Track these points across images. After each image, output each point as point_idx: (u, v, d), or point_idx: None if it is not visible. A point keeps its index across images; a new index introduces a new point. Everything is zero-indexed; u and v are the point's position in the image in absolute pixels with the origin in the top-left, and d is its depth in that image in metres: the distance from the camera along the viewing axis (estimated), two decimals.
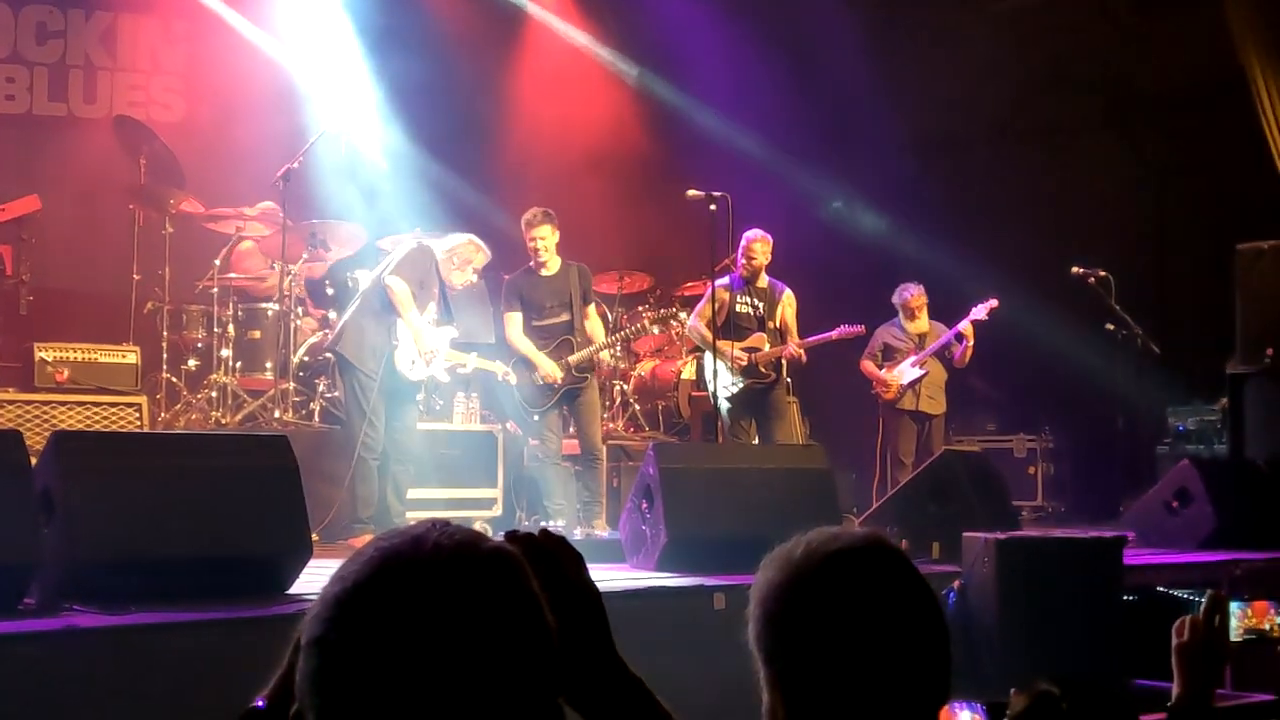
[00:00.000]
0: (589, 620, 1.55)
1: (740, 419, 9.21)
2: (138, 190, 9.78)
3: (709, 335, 8.98)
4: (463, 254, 8.38)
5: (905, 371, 10.07)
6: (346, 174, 10.17)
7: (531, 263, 8.71)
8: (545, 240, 8.58)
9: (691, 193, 8.49)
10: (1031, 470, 11.85)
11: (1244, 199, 11.47)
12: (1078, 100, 12.84)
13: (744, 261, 9.23)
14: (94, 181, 10.64)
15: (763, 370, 9.18)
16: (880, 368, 10.20)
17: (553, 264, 8.68)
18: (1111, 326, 10.55)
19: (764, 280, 9.33)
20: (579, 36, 12.88)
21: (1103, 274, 10.42)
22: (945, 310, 10.32)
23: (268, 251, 9.57)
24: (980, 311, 9.97)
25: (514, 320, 8.71)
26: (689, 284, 11.09)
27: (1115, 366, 10.82)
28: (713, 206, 8.31)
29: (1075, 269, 10.47)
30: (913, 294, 10.25)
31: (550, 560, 1.53)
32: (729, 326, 9.15)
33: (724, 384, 9.10)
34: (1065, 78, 12.78)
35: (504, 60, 12.78)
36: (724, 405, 9.15)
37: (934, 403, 10.20)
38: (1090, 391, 11.42)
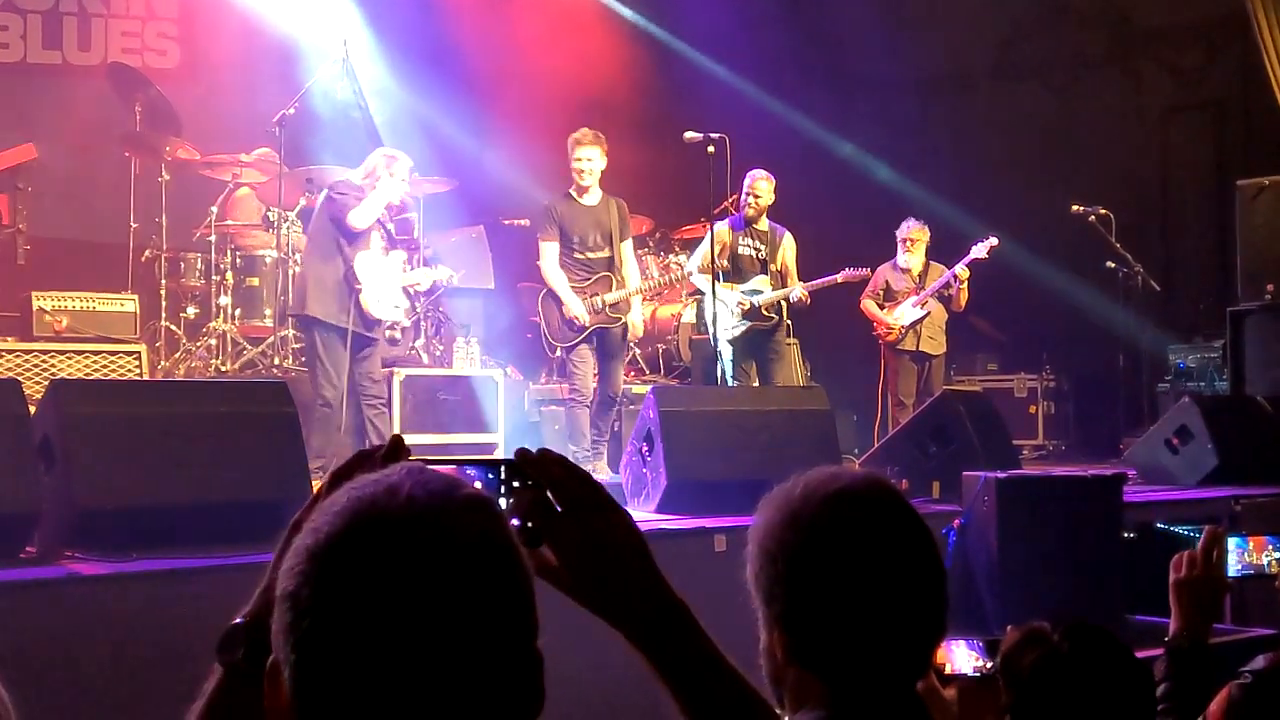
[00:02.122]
0: (630, 544, 1.55)
1: (742, 362, 9.18)
2: (133, 138, 9.73)
3: (709, 279, 8.95)
4: (381, 175, 7.83)
5: (906, 312, 10.04)
6: (342, 120, 10.09)
7: (572, 188, 8.33)
8: (591, 163, 8.22)
9: (689, 135, 8.41)
10: (1032, 409, 11.87)
11: (1245, 135, 11.43)
12: (1079, 36, 12.76)
13: (750, 201, 9.16)
14: (90, 129, 10.58)
15: (765, 313, 9.16)
16: (882, 308, 10.16)
17: (594, 193, 8.34)
18: (1112, 264, 10.54)
19: (764, 223, 9.28)
20: None
21: (1103, 211, 10.39)
22: (946, 250, 10.28)
23: (263, 198, 9.52)
24: (980, 250, 9.91)
25: (549, 251, 8.30)
26: (688, 226, 11.05)
27: (1116, 304, 10.82)
28: (711, 149, 8.24)
29: (1075, 206, 10.44)
30: (910, 227, 10.19)
31: (583, 488, 1.54)
32: (733, 269, 9.13)
33: (725, 326, 9.07)
34: (1066, 14, 12.70)
35: (500, 3, 12.67)
36: (725, 348, 9.13)
37: (934, 343, 10.17)
38: (1091, 330, 11.42)
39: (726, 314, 9.08)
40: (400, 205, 9.33)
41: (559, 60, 12.29)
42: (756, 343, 9.21)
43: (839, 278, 9.50)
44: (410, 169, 8.18)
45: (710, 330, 9.12)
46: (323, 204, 7.89)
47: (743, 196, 9.20)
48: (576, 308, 8.19)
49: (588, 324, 8.21)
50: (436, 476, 1.20)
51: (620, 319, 8.37)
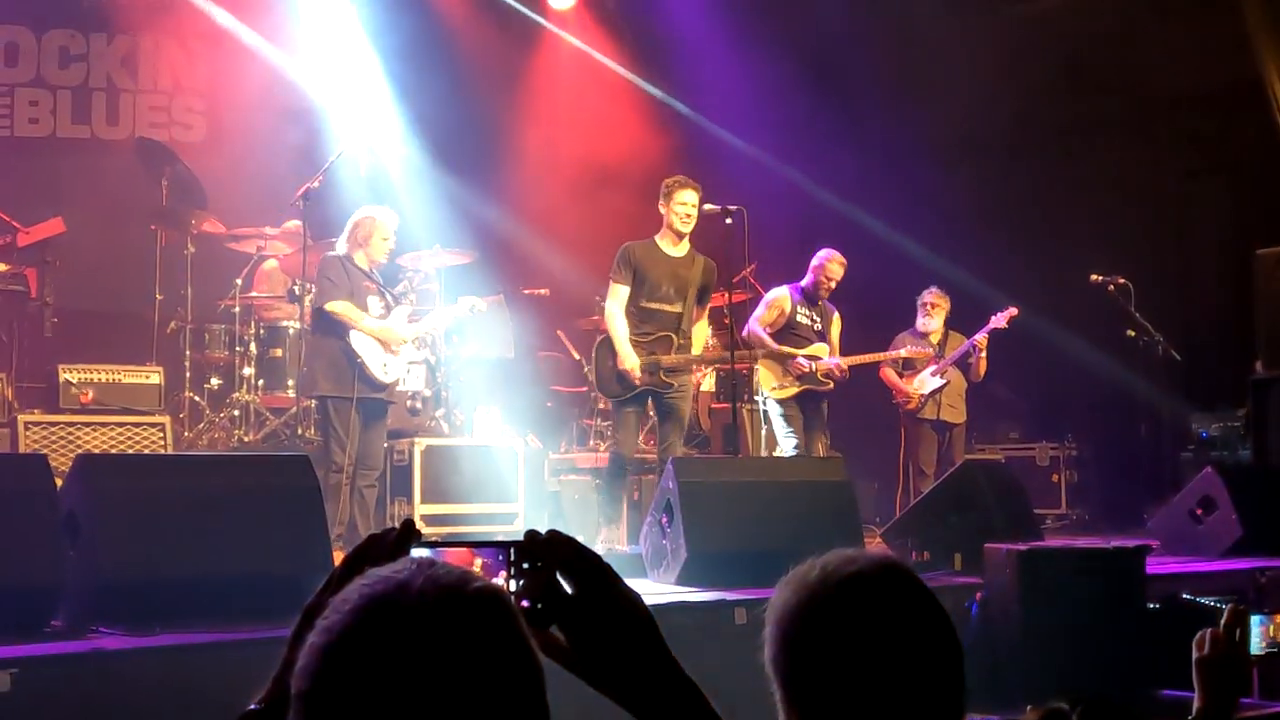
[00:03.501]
0: (639, 625, 1.56)
1: (789, 420, 9.16)
2: (160, 211, 9.85)
3: (767, 338, 9.08)
4: (363, 231, 8.05)
5: (926, 381, 10.05)
6: (367, 192, 10.21)
7: (661, 235, 8.09)
8: (696, 209, 7.97)
9: (708, 207, 8.42)
10: (1055, 478, 11.81)
11: (1264, 202, 11.43)
12: (1095, 103, 12.80)
13: (821, 280, 9.27)
14: (117, 203, 10.71)
15: (821, 379, 9.19)
16: (900, 376, 10.18)
17: (684, 244, 8.11)
18: (1132, 333, 10.53)
19: (820, 300, 9.41)
20: (594, 52, 12.93)
21: (1122, 281, 10.40)
22: (965, 318, 10.31)
23: (289, 270, 9.61)
24: (1000, 320, 9.95)
25: (618, 294, 7.97)
26: None
27: (1137, 373, 10.79)
28: (729, 220, 8.28)
29: (1094, 276, 10.45)
30: (932, 293, 10.25)
31: (592, 569, 1.56)
32: (789, 334, 9.20)
33: (774, 384, 9.14)
34: (1082, 81, 12.75)
35: (521, 76, 12.83)
36: (774, 406, 9.16)
37: (955, 411, 10.17)
38: (1113, 399, 11.39)
39: (780, 372, 9.12)
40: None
41: (578, 132, 12.42)
42: (806, 407, 9.22)
43: (903, 352, 9.66)
44: (395, 224, 8.20)
45: (762, 390, 9.22)
46: (318, 285, 8.07)
47: (813, 274, 9.31)
48: (631, 362, 7.86)
49: (638, 384, 7.91)
50: (447, 571, 1.22)
51: (673, 384, 8.07)
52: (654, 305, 8.04)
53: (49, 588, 4.55)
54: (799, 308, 9.30)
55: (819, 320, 9.36)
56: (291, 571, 5.05)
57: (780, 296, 9.30)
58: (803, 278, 9.40)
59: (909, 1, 12.81)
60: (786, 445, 9.17)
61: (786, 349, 9.13)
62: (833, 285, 9.31)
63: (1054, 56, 12.77)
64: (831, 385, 9.28)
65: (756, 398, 9.51)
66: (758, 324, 9.27)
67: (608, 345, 8.00)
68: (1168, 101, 12.53)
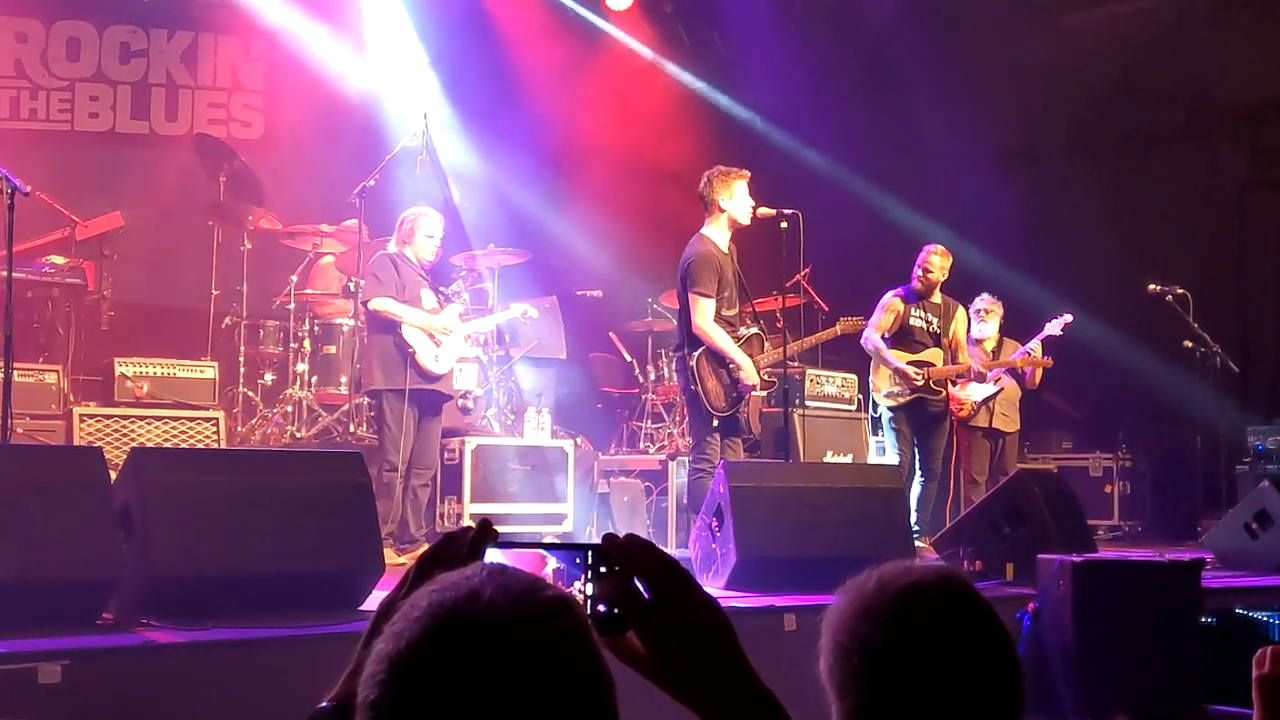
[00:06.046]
0: (716, 631, 1.55)
1: (903, 430, 9.08)
2: (217, 207, 9.92)
3: (882, 347, 9.04)
4: (406, 228, 8.15)
5: (978, 388, 9.95)
6: (422, 191, 10.25)
7: (714, 229, 7.62)
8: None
9: (762, 210, 8.31)
10: (1108, 489, 11.70)
11: None
12: (1154, 113, 12.69)
13: (920, 274, 9.19)
14: (175, 198, 10.81)
15: (934, 386, 9.11)
16: (953, 384, 10.09)
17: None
18: (1189, 344, 10.41)
19: (938, 295, 9.27)
20: (651, 53, 12.93)
21: (1180, 291, 10.28)
22: (1020, 326, 10.22)
23: (344, 267, 9.66)
24: (1054, 327, 9.85)
25: (708, 308, 7.38)
26: (759, 300, 11.03)
27: (1193, 385, 10.67)
28: (784, 225, 8.20)
29: (1152, 286, 10.34)
30: (985, 300, 10.15)
31: (670, 574, 1.54)
32: (903, 340, 9.13)
33: (888, 392, 9.07)
34: (1141, 90, 12.64)
35: (577, 77, 12.83)
36: (885, 413, 9.12)
37: (1007, 420, 10.07)
38: (1168, 410, 11.27)
39: (888, 379, 9.06)
40: (437, 260, 9.42)
41: (632, 134, 12.40)
42: (917, 417, 9.14)
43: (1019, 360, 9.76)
44: (438, 225, 8.29)
45: (874, 397, 9.22)
46: (366, 283, 8.18)
47: (915, 269, 9.23)
48: (751, 371, 7.41)
49: (758, 386, 7.51)
50: (518, 579, 1.20)
51: (776, 383, 7.87)
52: (732, 312, 7.62)
53: (101, 580, 4.58)
54: (911, 309, 9.19)
55: (934, 320, 9.23)
56: (342, 568, 5.08)
57: (892, 300, 9.20)
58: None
59: (967, 9, 12.74)
60: (890, 459, 9.11)
61: (897, 361, 9.00)
62: (934, 278, 9.17)
63: (1111, 65, 12.66)
64: (944, 394, 9.19)
65: (878, 402, 9.35)
66: (874, 330, 9.15)
67: (710, 360, 7.43)
68: (1225, 111, 12.40)
